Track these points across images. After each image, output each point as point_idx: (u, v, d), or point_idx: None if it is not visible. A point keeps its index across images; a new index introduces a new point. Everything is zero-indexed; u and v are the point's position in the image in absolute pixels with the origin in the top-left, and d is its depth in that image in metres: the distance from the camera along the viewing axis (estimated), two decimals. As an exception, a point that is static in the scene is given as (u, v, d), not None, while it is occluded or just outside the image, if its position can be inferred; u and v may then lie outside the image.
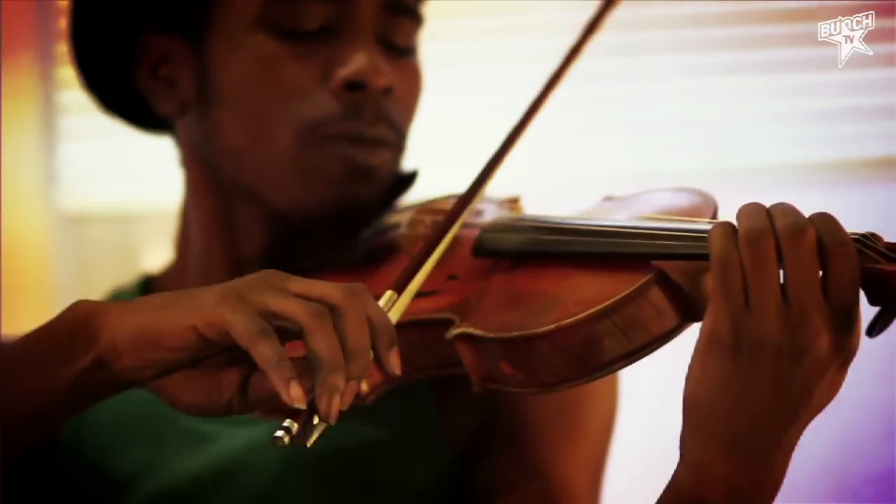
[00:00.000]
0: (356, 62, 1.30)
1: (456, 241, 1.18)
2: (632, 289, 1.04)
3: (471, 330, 1.08)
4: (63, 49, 2.27)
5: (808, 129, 2.31)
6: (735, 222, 1.02)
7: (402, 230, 1.28)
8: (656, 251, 1.06)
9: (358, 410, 1.17)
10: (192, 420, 1.30)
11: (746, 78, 2.30)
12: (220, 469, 1.31)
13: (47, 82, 2.34)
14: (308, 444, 1.00)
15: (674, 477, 1.04)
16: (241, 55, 1.32)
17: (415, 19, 1.35)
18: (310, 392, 0.99)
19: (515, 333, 1.05)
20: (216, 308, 1.02)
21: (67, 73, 2.26)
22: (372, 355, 1.01)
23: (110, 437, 1.34)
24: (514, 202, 1.32)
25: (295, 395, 0.98)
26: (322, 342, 0.99)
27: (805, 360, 0.98)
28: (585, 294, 1.06)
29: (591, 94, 2.33)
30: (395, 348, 1.02)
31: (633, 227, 1.09)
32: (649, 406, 2.08)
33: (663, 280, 1.05)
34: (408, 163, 1.40)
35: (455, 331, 1.09)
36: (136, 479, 1.33)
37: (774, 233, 0.99)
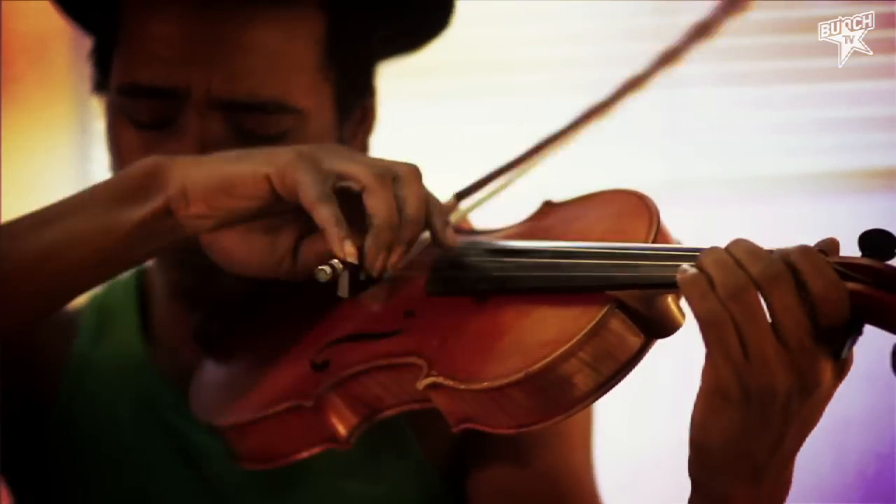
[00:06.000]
0: None
1: (407, 277, 1.19)
2: (592, 324, 1.03)
3: (441, 380, 1.07)
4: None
5: (812, 140, 2.33)
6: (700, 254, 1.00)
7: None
8: (609, 283, 1.05)
9: (340, 455, 1.20)
10: (184, 431, 1.33)
11: (757, 88, 2.34)
12: (202, 495, 1.33)
13: (82, 85, 2.27)
14: (344, 296, 1.07)
15: None
16: (111, 131, 1.33)
17: (271, 112, 1.27)
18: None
19: (486, 384, 1.05)
20: (290, 165, 1.07)
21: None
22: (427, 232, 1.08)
23: (103, 418, 1.36)
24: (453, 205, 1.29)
25: (348, 250, 1.05)
26: (380, 200, 1.06)
27: (815, 392, 0.98)
28: (547, 335, 1.05)
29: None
30: (450, 224, 1.09)
31: (584, 256, 1.08)
32: (664, 405, 2.11)
33: (621, 308, 1.04)
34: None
35: (426, 381, 1.08)
36: (119, 471, 1.34)
37: (752, 280, 0.97)
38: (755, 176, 2.36)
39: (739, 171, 2.35)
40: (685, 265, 0.99)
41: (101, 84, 1.35)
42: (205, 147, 1.25)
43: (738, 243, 0.99)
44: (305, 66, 1.29)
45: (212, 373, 1.31)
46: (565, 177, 2.45)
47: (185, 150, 1.25)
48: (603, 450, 1.40)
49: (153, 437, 1.34)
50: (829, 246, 0.99)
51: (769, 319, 0.97)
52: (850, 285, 0.96)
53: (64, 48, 2.33)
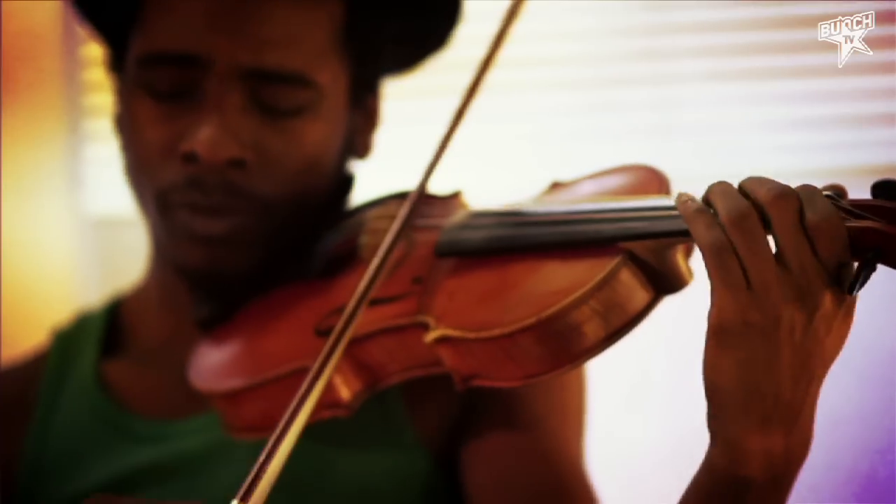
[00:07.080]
0: (196, 135, 1.29)
1: (416, 243, 1.21)
2: (604, 273, 1.05)
3: (449, 332, 1.08)
4: (89, 52, 2.30)
5: (808, 136, 2.32)
6: (696, 199, 1.02)
7: (363, 239, 1.27)
8: (621, 234, 1.06)
9: (332, 430, 1.20)
10: (149, 425, 1.34)
11: (751, 84, 2.32)
12: (179, 461, 1.33)
13: (73, 85, 2.35)
14: None
15: (708, 461, 1.03)
16: (127, 108, 1.34)
17: (291, 83, 1.31)
18: None
19: (497, 331, 1.05)
20: None
21: (93, 76, 2.31)
22: None
23: (71, 452, 1.36)
24: (457, 197, 1.32)
25: None
26: None
27: (815, 318, 0.99)
28: (559, 284, 1.06)
29: (611, 97, 2.37)
30: None
31: (594, 213, 1.09)
32: (660, 404, 2.11)
33: (632, 260, 1.06)
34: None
35: (433, 334, 1.09)
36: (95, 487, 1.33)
37: (756, 205, 0.99)
38: (752, 173, 2.34)
39: (736, 169, 2.33)
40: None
41: (115, 64, 1.38)
42: (222, 118, 1.28)
43: (749, 177, 1.01)
44: (325, 44, 1.32)
45: (212, 347, 1.31)
46: (558, 176, 2.46)
47: (203, 121, 1.28)
48: (602, 449, 1.40)
49: (122, 467, 1.34)
50: (837, 189, 1.01)
51: (772, 247, 0.98)
52: (863, 223, 0.97)
53: (56, 46, 2.31)
